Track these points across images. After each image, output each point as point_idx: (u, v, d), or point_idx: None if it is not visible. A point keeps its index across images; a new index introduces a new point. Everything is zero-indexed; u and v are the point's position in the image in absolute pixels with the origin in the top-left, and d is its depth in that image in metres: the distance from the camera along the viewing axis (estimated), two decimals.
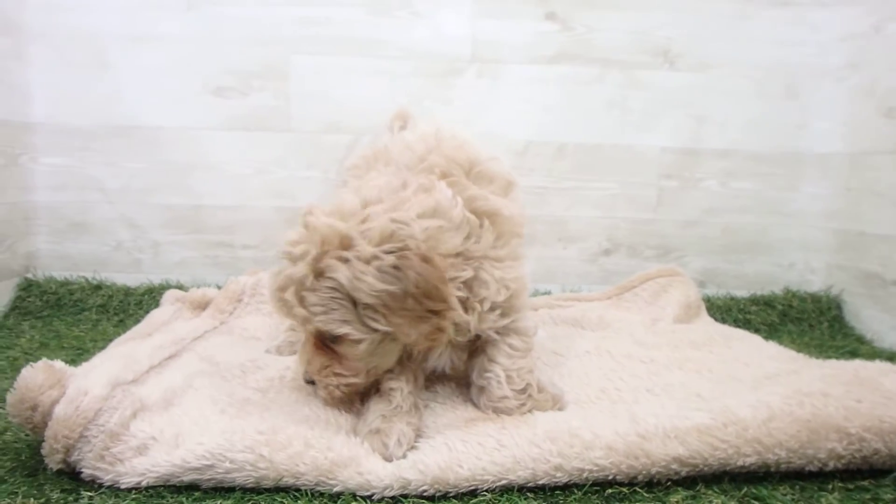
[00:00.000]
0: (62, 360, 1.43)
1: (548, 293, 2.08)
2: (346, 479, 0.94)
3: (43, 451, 0.98)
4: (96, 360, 1.23)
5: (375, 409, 1.06)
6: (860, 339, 1.89)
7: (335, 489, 0.93)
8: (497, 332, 1.11)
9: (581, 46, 2.10)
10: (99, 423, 0.97)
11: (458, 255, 1.02)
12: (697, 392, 1.18)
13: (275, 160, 2.11)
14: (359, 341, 0.99)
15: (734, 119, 2.15)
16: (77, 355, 1.54)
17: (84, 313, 1.96)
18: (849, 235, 2.01)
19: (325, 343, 1.04)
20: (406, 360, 1.10)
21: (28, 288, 2.01)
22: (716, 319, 1.89)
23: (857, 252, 1.98)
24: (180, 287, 2.00)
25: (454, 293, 0.99)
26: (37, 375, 1.00)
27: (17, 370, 1.03)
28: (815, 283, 2.16)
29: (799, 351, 1.50)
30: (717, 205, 2.18)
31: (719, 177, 2.17)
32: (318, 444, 0.96)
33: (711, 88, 2.13)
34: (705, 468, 0.97)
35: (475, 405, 1.15)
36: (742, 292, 2.16)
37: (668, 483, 0.97)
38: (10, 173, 1.96)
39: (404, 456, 0.99)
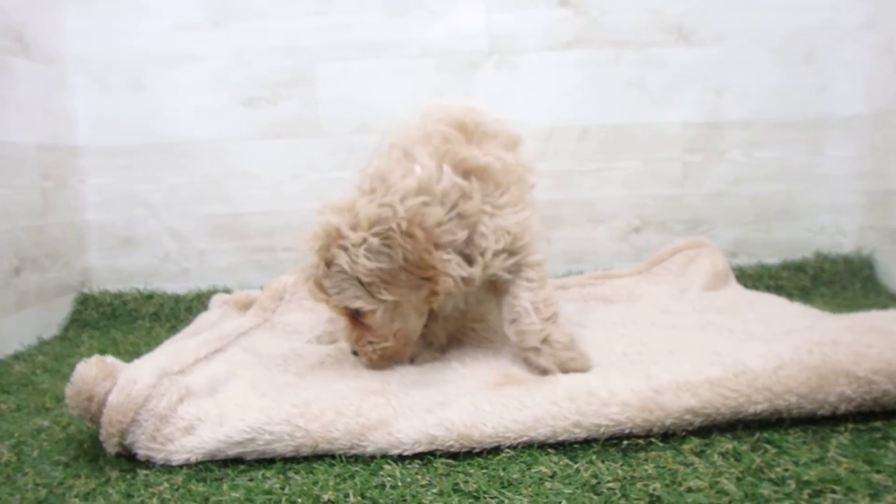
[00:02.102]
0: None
1: (580, 273, 2.11)
2: (377, 439, 1.00)
3: (101, 437, 1.05)
4: (147, 356, 1.32)
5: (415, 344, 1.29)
6: (893, 297, 1.88)
7: (368, 450, 1.00)
8: (508, 272, 1.23)
9: (595, 29, 2.13)
10: (149, 408, 1.05)
11: (451, 219, 1.15)
12: (715, 350, 1.20)
13: (308, 164, 2.19)
14: (373, 311, 1.16)
15: (754, 88, 2.14)
16: (133, 359, 1.60)
17: (138, 322, 2.07)
18: (877, 195, 2.00)
19: (355, 318, 1.21)
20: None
21: (85, 301, 2.13)
22: (747, 288, 1.89)
23: (887, 211, 1.97)
24: (226, 291, 2.08)
25: (445, 256, 1.14)
26: (90, 369, 1.08)
27: None
28: (846, 246, 2.15)
29: (832, 312, 1.50)
30: (743, 175, 2.18)
31: (743, 147, 2.17)
32: (347, 411, 1.03)
33: (728, 60, 2.13)
34: (718, 417, 1.00)
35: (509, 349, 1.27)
36: (773, 259, 2.16)
37: (683, 433, 1.01)
38: (60, 195, 2.08)
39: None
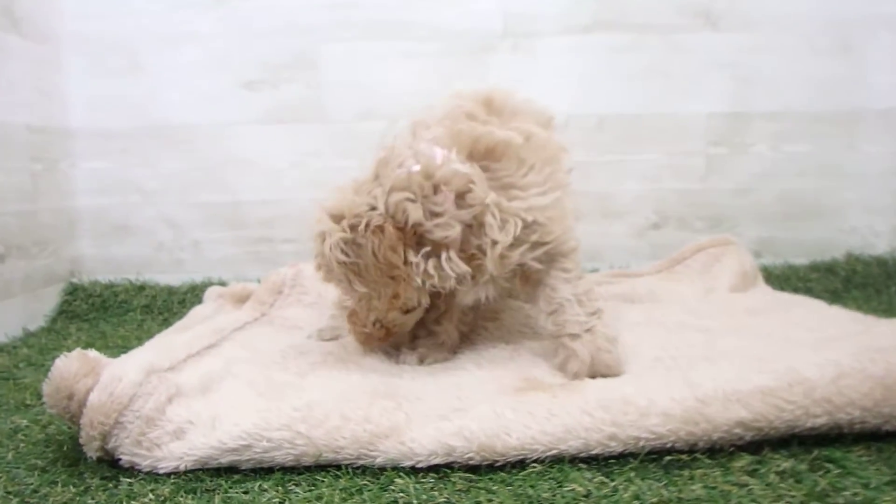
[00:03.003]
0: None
1: (595, 271, 2.01)
2: (388, 449, 0.90)
3: (81, 440, 0.96)
4: (135, 351, 1.23)
5: (424, 343, 1.25)
6: None
7: (377, 461, 0.90)
8: (539, 262, 1.14)
9: (616, 13, 2.02)
10: (134, 409, 0.95)
11: (442, 214, 1.08)
12: (757, 356, 1.09)
13: (310, 151, 2.09)
14: (350, 298, 1.17)
15: (783, 78, 2.03)
16: (121, 354, 1.52)
17: (129, 314, 1.97)
18: None
19: None
20: (445, 302, 1.22)
21: (74, 292, 2.03)
22: (775, 289, 1.78)
23: None
24: (222, 283, 1.99)
25: (413, 259, 1.08)
26: (71, 364, 0.99)
27: None
28: (879, 247, 2.05)
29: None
30: (770, 170, 2.07)
31: (770, 140, 2.06)
32: (355, 416, 0.93)
33: (757, 48, 2.02)
34: (771, 431, 0.90)
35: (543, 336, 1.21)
36: (801, 260, 2.05)
37: (731, 448, 0.91)
38: (50, 179, 1.98)
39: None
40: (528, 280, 1.19)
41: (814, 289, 1.90)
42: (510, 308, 1.45)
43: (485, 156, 1.11)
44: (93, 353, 1.04)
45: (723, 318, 1.40)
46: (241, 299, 1.75)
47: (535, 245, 1.12)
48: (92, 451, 0.96)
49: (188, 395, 1.03)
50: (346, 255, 1.08)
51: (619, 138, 2.07)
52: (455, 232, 1.08)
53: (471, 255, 1.10)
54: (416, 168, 1.08)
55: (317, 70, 2.05)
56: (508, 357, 1.22)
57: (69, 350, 1.13)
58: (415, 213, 1.07)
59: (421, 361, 1.23)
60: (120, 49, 2.05)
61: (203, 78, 2.06)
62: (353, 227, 1.08)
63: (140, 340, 1.65)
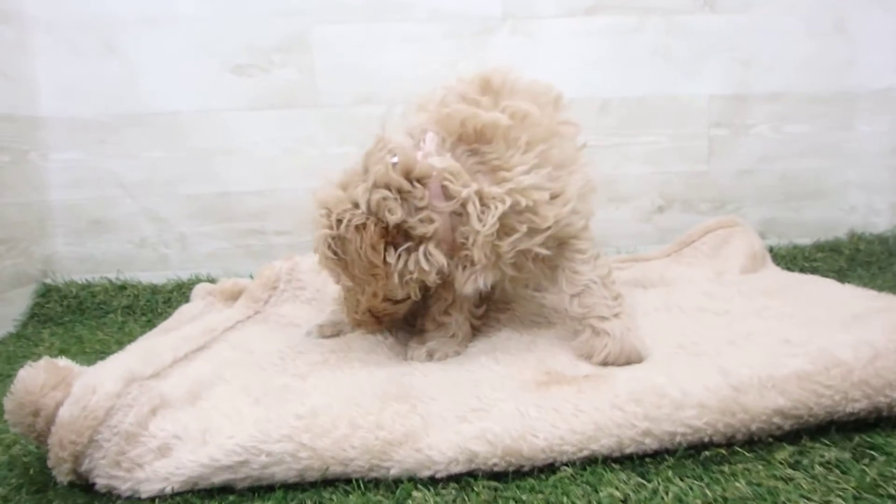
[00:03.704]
0: (85, 364, 1.32)
1: None
2: (403, 458, 0.82)
3: (49, 463, 0.85)
4: (115, 356, 1.12)
5: (433, 336, 1.19)
6: None
7: (392, 472, 0.82)
8: (546, 247, 1.09)
9: None
10: (111, 425, 0.85)
11: (421, 209, 1.05)
12: (784, 339, 1.04)
13: (304, 139, 1.99)
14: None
15: (782, 60, 2.02)
16: (101, 359, 1.38)
17: (108, 316, 1.85)
18: None
19: None
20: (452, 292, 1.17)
21: (47, 294, 1.90)
22: (780, 269, 1.76)
23: None
24: (211, 281, 1.89)
25: (388, 259, 1.05)
26: (37, 375, 0.88)
27: None
28: (880, 225, 2.06)
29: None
30: (772, 151, 2.05)
31: (771, 121, 2.04)
32: (365, 423, 0.84)
33: (756, 29, 2.00)
34: (810, 419, 0.85)
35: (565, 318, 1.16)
36: (805, 240, 2.04)
37: (770, 439, 0.85)
38: (19, 171, 1.85)
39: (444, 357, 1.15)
40: (542, 264, 1.15)
41: (819, 268, 1.88)
42: (522, 298, 1.39)
43: (475, 139, 1.07)
44: (63, 362, 0.93)
45: (740, 300, 1.34)
46: (233, 296, 1.64)
47: (533, 232, 1.07)
48: (62, 476, 0.85)
49: (174, 405, 0.92)
50: (333, 251, 1.07)
51: (622, 122, 2.02)
52: (436, 226, 1.05)
53: (460, 245, 1.07)
54: (395, 161, 1.04)
55: (310, 53, 1.96)
56: (526, 349, 1.14)
57: (40, 357, 1.00)
58: (396, 213, 1.04)
59: (430, 356, 1.16)
60: (93, 30, 1.92)
61: (186, 61, 1.94)
62: (339, 223, 1.06)
63: (121, 344, 1.52)
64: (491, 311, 1.31)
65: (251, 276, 1.81)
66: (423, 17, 1.95)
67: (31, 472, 0.90)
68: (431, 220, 1.04)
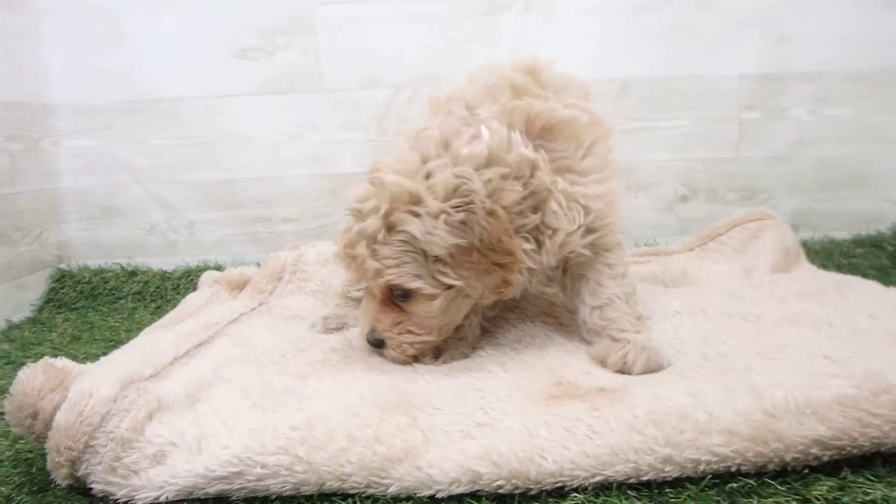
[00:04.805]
0: (94, 353, 1.32)
1: None
2: (403, 475, 0.77)
3: (48, 466, 0.85)
4: (116, 354, 1.10)
5: None
6: None
7: (390, 490, 0.77)
8: (586, 249, 1.07)
9: None
10: (107, 430, 0.84)
11: (525, 198, 0.99)
12: (823, 353, 0.96)
13: (309, 124, 1.94)
14: (432, 297, 1.00)
15: (822, 36, 1.88)
16: (110, 347, 1.40)
17: (119, 302, 1.85)
18: None
19: (394, 301, 1.04)
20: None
21: (61, 279, 1.91)
22: (817, 267, 1.64)
23: None
24: (218, 268, 1.88)
25: (521, 244, 0.98)
26: (36, 377, 0.87)
27: None
28: None
29: None
30: (808, 136, 1.93)
31: (809, 104, 1.91)
32: (363, 436, 0.80)
33: (792, 2, 1.86)
34: (854, 450, 0.77)
35: (582, 337, 1.13)
36: (843, 234, 1.92)
37: (806, 470, 0.77)
38: (31, 159, 1.84)
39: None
40: (567, 272, 1.13)
41: (859, 265, 1.75)
42: (532, 295, 1.31)
43: (539, 134, 1.03)
44: (61, 363, 0.92)
45: (772, 304, 1.26)
46: (238, 286, 1.62)
47: (588, 231, 1.04)
48: (60, 479, 0.85)
49: (172, 408, 0.90)
50: (455, 236, 0.95)
51: (643, 104, 1.92)
52: (535, 220, 1.01)
53: None
54: (491, 143, 0.98)
55: (315, 35, 1.90)
56: (536, 355, 1.09)
57: (54, 345, 1.02)
58: (513, 192, 0.97)
59: (437, 357, 1.10)
60: (99, 16, 1.90)
61: (191, 46, 1.91)
62: (457, 207, 0.95)
63: (130, 332, 1.54)
64: (500, 311, 1.25)
65: (258, 265, 1.79)
66: None
67: (34, 469, 0.91)
68: (528, 214, 1.00)
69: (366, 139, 1.93)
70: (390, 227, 0.97)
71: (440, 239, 0.94)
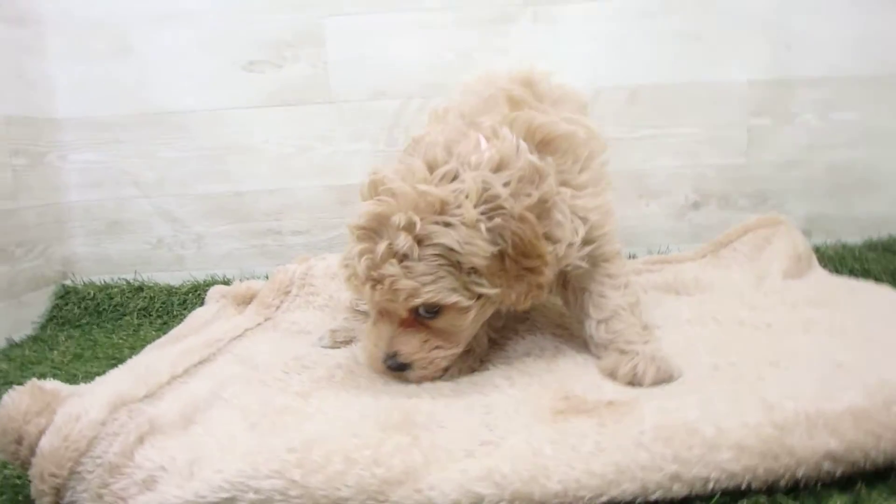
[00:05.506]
0: (95, 371, 1.28)
1: (633, 258, 1.85)
2: (402, 498, 0.74)
3: (31, 494, 0.81)
4: (112, 374, 1.08)
5: None
6: None
7: None
8: (584, 261, 1.06)
9: None
10: (94, 455, 0.81)
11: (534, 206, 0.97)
12: (836, 361, 0.93)
13: (318, 135, 1.94)
14: (465, 310, 0.96)
15: (830, 39, 1.87)
16: (112, 366, 1.35)
17: (125, 318, 1.83)
18: None
19: (416, 320, 0.99)
20: None
21: (65, 295, 1.89)
22: (830, 273, 1.61)
23: None
24: (226, 282, 1.86)
25: (549, 248, 0.97)
26: (22, 400, 0.85)
27: None
28: None
29: None
30: (818, 141, 1.91)
31: (818, 108, 1.90)
32: (361, 458, 0.77)
33: (800, 5, 1.85)
34: (867, 465, 0.74)
35: (588, 348, 1.11)
36: (855, 238, 1.90)
37: (819, 486, 0.74)
38: (37, 174, 1.84)
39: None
40: (569, 286, 1.11)
41: (872, 270, 1.71)
42: (542, 305, 1.30)
43: (539, 147, 1.01)
44: (50, 385, 0.90)
45: (784, 312, 1.23)
46: (245, 300, 1.60)
47: (584, 242, 1.03)
48: None
49: (165, 431, 0.87)
50: (492, 245, 0.92)
51: (652, 111, 1.91)
52: (542, 228, 0.99)
53: None
54: (501, 148, 0.97)
55: (323, 47, 1.89)
56: (545, 368, 1.06)
57: (54, 364, 0.99)
58: (528, 199, 0.96)
59: (444, 371, 1.07)
60: (106, 30, 1.90)
61: (198, 60, 1.91)
62: (487, 214, 0.92)
63: (133, 350, 1.51)
64: (509, 322, 1.23)
65: (267, 278, 1.77)
66: (437, 6, 1.87)
67: (20, 497, 0.87)
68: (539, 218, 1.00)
69: (375, 150, 1.92)
70: (420, 241, 0.91)
71: (480, 249, 0.91)
